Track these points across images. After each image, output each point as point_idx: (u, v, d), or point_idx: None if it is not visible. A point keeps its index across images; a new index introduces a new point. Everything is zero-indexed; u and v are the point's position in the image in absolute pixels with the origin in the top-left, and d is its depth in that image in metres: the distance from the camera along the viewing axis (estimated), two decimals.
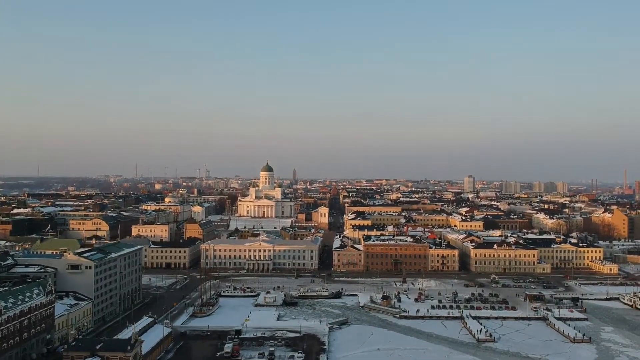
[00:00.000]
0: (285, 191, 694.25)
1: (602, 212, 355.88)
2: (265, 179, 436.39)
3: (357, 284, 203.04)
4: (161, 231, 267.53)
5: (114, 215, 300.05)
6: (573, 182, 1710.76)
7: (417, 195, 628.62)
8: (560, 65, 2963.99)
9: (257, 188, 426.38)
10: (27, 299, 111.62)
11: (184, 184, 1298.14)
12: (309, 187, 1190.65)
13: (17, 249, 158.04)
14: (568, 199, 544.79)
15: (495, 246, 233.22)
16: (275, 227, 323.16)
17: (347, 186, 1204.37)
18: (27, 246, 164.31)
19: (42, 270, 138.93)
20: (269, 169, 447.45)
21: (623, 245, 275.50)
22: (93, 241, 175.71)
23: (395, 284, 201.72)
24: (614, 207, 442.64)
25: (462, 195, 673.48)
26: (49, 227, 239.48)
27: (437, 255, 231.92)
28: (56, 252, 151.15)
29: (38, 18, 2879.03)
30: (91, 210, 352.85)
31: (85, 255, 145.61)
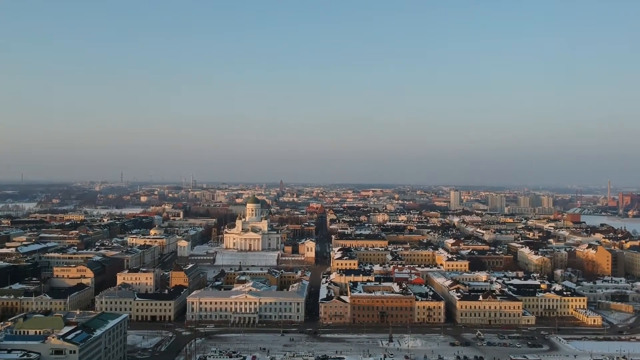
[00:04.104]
0: (272, 210, 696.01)
1: (586, 248, 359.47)
2: (252, 210, 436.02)
3: (344, 342, 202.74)
4: (146, 279, 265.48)
5: (99, 259, 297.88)
6: (558, 188, 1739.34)
7: (403, 218, 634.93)
8: (548, 74, 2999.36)
9: (243, 220, 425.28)
10: None
11: (170, 195, 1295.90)
12: (295, 200, 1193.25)
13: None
14: (553, 224, 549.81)
15: (480, 297, 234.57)
16: (261, 268, 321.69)
17: (334, 199, 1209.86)
18: (10, 323, 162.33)
19: (25, 356, 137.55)
20: (255, 201, 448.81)
21: (607, 288, 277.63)
22: (77, 312, 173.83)
23: (382, 343, 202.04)
24: (597, 235, 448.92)
25: (448, 216, 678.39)
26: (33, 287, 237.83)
27: (423, 307, 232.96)
28: (40, 333, 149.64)
29: (27, 22, 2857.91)
30: (76, 248, 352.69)
31: (69, 337, 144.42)
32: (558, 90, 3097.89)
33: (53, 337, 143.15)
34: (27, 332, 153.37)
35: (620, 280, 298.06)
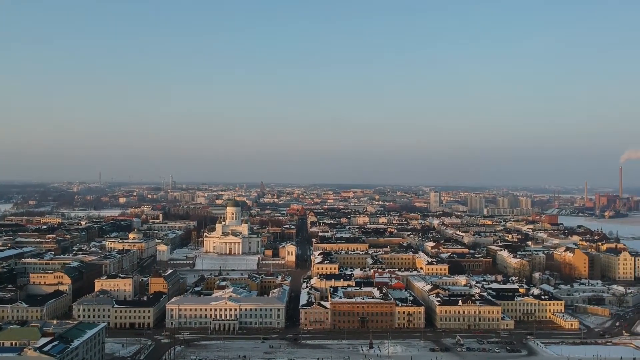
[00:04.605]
0: (252, 212, 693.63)
1: (564, 251, 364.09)
2: (232, 214, 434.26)
3: (324, 349, 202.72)
4: (125, 285, 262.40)
5: (77, 265, 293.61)
6: (536, 188, 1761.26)
7: (384, 220, 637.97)
8: (527, 75, 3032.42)
9: (223, 223, 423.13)
10: None
11: (149, 196, 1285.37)
12: (276, 201, 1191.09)
13: None
14: (531, 226, 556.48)
15: (460, 302, 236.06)
16: (241, 273, 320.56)
17: (314, 200, 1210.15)
18: None
19: None
20: (235, 204, 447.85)
21: (584, 291, 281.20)
22: (54, 321, 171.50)
23: (362, 349, 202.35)
24: (575, 237, 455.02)
25: (428, 218, 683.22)
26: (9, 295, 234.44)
27: (404, 312, 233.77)
28: (16, 344, 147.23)
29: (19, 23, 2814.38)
30: (53, 253, 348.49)
31: (46, 349, 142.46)
32: (537, 92, 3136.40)
33: (29, 349, 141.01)
34: (3, 343, 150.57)
35: (597, 283, 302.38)
